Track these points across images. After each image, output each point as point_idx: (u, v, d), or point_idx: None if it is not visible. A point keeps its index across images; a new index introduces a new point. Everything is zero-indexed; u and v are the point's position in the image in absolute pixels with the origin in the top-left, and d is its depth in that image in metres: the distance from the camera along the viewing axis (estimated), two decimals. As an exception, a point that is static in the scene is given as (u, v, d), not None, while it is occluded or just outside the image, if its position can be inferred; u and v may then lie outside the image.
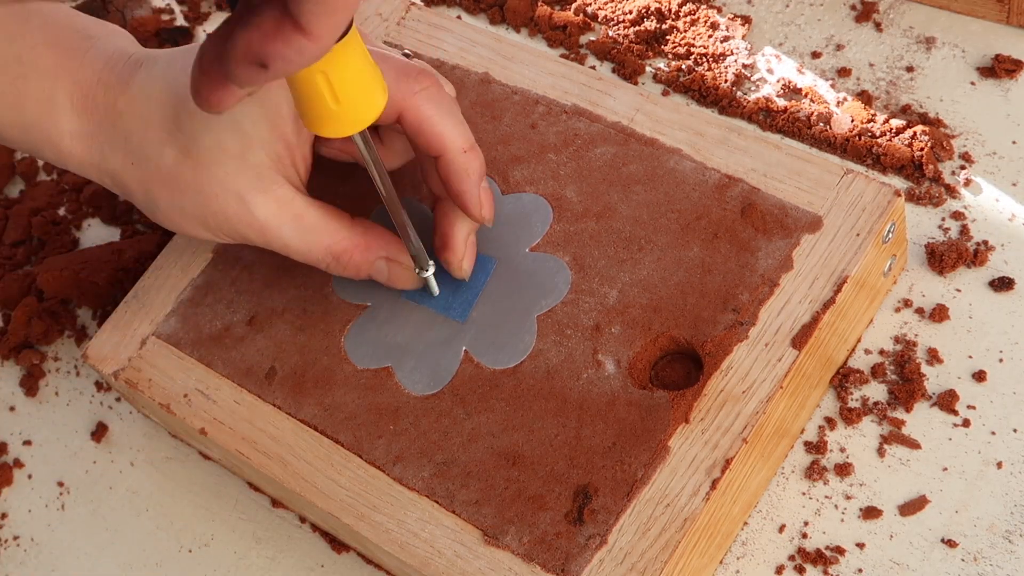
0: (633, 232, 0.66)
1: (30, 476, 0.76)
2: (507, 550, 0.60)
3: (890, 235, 0.64)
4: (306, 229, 0.64)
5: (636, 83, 0.78)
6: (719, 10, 0.79)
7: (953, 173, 0.71)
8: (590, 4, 0.82)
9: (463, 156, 0.63)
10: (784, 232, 0.64)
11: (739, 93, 0.76)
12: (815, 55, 0.76)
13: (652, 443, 0.61)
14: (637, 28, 0.80)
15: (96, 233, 0.83)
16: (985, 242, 0.68)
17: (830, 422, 0.65)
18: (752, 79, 0.77)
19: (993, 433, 0.64)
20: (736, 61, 0.77)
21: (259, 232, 0.64)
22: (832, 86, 0.75)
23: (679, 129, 0.69)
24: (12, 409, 0.78)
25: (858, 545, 0.62)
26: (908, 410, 0.65)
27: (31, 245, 0.83)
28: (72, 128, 0.65)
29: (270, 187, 0.63)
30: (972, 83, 0.73)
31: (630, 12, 0.80)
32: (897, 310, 0.68)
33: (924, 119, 0.72)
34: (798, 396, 0.63)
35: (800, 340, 0.61)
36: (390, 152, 0.67)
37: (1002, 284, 0.67)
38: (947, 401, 0.65)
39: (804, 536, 0.63)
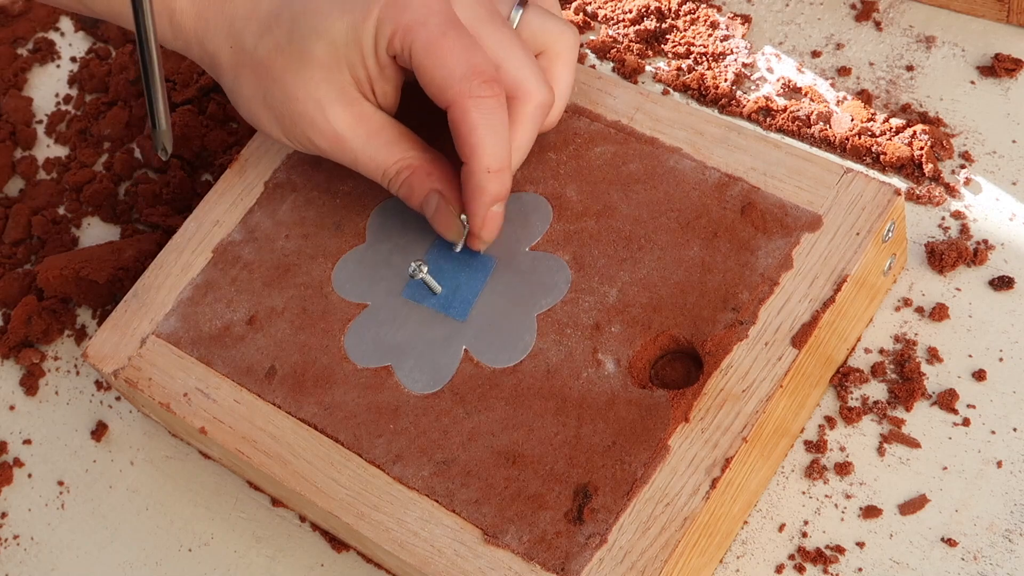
0: (633, 231, 0.67)
1: (30, 475, 0.76)
2: (507, 549, 0.60)
3: (890, 234, 0.64)
4: (379, 144, 0.65)
5: (636, 82, 0.78)
6: (719, 9, 0.79)
7: (953, 172, 0.71)
8: (590, 3, 0.82)
9: (484, 175, 0.63)
10: (784, 231, 0.64)
11: (739, 92, 0.76)
12: (815, 54, 0.76)
13: (652, 442, 0.61)
14: (637, 27, 0.80)
15: (96, 232, 0.83)
16: (985, 241, 0.68)
17: (830, 421, 0.65)
18: (752, 78, 0.77)
19: (993, 432, 0.64)
20: (736, 60, 0.77)
21: (331, 141, 0.65)
22: (832, 85, 0.75)
23: (679, 128, 0.69)
24: (12, 408, 0.78)
25: (858, 544, 0.62)
26: (908, 409, 0.65)
27: (31, 244, 0.83)
28: (184, 3, 0.67)
29: (351, 102, 0.65)
30: (972, 82, 0.73)
31: (630, 11, 0.80)
32: (897, 309, 0.68)
33: (924, 118, 0.72)
34: (798, 395, 0.63)
35: (800, 339, 0.61)
36: (392, 89, 0.67)
37: (1002, 283, 0.67)
38: (947, 400, 0.65)
39: (804, 535, 0.63)
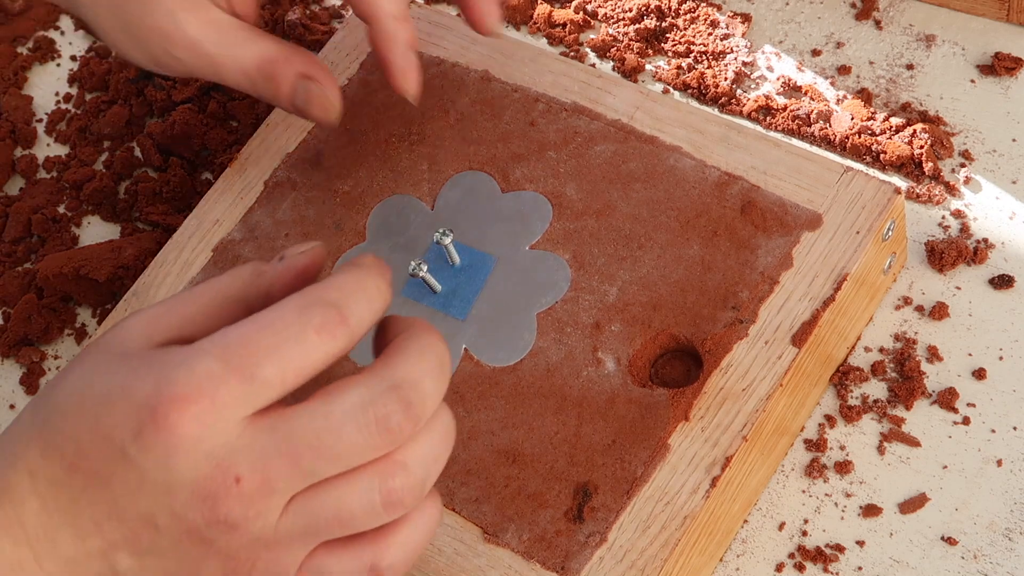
0: (633, 230, 0.67)
1: (30, 474, 0.76)
2: (507, 548, 0.60)
3: (890, 233, 0.64)
4: (234, 42, 0.66)
5: (636, 81, 0.78)
6: (719, 8, 0.79)
7: (953, 171, 0.71)
8: (590, 2, 0.82)
9: (392, 21, 0.64)
10: (784, 230, 0.64)
11: (739, 91, 0.76)
12: (815, 53, 0.76)
13: (652, 441, 0.61)
14: (637, 26, 0.80)
15: (96, 231, 0.83)
16: (985, 240, 0.68)
17: (830, 420, 0.65)
18: (752, 77, 0.77)
19: (993, 431, 0.64)
20: (736, 59, 0.77)
21: (188, 49, 0.65)
22: (832, 84, 0.75)
23: (679, 127, 0.69)
24: (12, 407, 0.78)
25: (858, 543, 0.62)
26: (908, 408, 0.65)
27: (31, 242, 0.83)
28: None
29: (201, 8, 0.65)
30: (972, 81, 0.73)
31: (630, 10, 0.80)
32: (897, 308, 0.68)
33: (924, 117, 0.72)
34: (798, 394, 0.63)
35: (800, 338, 0.61)
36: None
37: (1002, 282, 0.67)
38: (947, 399, 0.65)
39: (804, 534, 0.63)
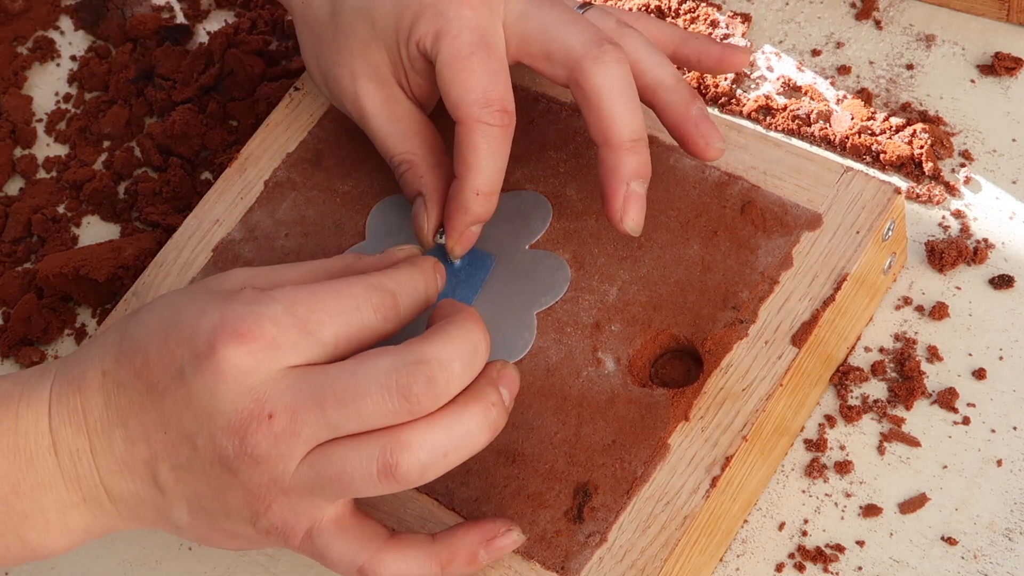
0: (633, 230, 0.66)
1: (30, 474, 0.76)
2: (507, 548, 0.60)
3: (890, 233, 0.64)
4: (396, 130, 0.67)
5: (636, 81, 0.78)
6: (719, 8, 0.79)
7: (953, 171, 0.71)
8: (590, 1, 0.82)
9: (472, 196, 0.63)
10: (784, 230, 0.64)
11: (739, 91, 0.76)
12: (815, 53, 0.76)
13: (652, 441, 0.61)
14: (637, 26, 0.80)
15: (96, 231, 0.83)
16: (985, 240, 0.68)
17: (830, 420, 0.65)
18: (752, 77, 0.77)
19: (993, 431, 0.64)
20: (736, 59, 0.77)
21: (357, 114, 0.68)
22: (832, 84, 0.75)
23: (679, 127, 0.69)
24: (12, 407, 0.78)
25: (858, 543, 0.62)
26: (908, 408, 0.65)
27: (31, 242, 0.83)
28: None
29: (383, 82, 0.67)
30: (972, 81, 0.73)
31: (630, 10, 0.80)
32: (897, 308, 0.68)
33: (924, 117, 0.72)
34: (798, 394, 0.63)
35: (800, 338, 0.61)
36: (426, 83, 0.67)
37: (1002, 282, 0.67)
38: (947, 399, 0.65)
39: (804, 534, 0.63)
